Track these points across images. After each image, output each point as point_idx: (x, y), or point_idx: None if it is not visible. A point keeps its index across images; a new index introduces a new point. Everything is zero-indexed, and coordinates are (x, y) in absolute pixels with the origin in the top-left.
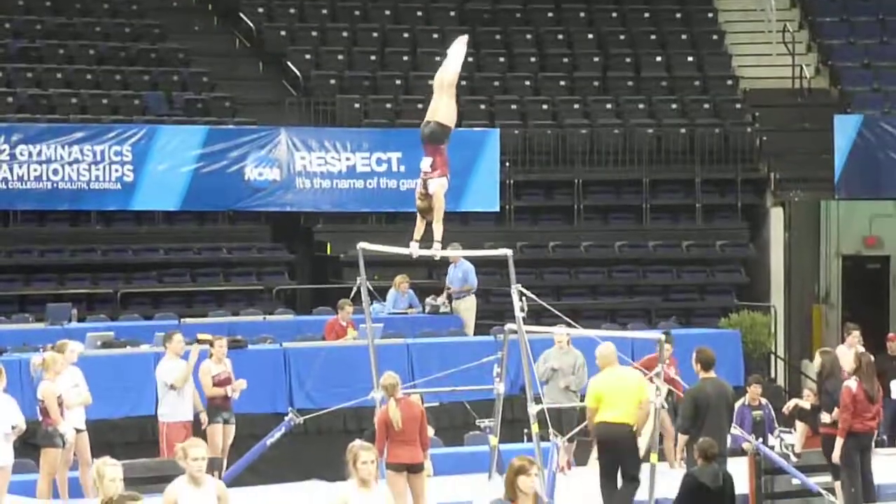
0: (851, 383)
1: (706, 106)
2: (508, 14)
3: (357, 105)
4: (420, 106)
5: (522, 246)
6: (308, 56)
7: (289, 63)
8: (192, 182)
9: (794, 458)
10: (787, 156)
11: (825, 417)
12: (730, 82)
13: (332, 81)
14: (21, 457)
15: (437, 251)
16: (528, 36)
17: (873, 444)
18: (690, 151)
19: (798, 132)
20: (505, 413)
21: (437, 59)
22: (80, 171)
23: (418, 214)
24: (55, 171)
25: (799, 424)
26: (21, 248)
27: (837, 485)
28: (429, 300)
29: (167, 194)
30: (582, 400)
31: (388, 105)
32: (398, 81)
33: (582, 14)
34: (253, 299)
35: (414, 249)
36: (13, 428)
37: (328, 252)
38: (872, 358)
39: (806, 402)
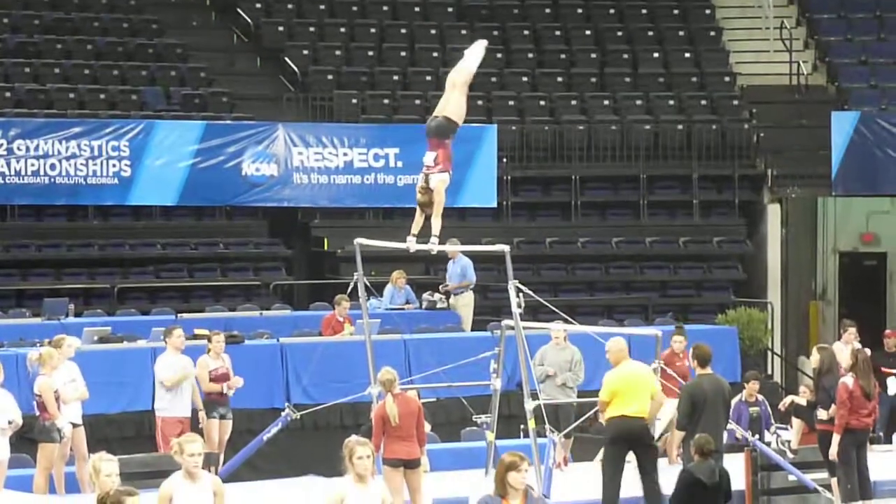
0: (848, 380)
1: (703, 102)
2: (506, 10)
3: (355, 100)
4: (418, 102)
5: (519, 242)
6: (306, 51)
7: (286, 58)
8: (190, 177)
9: (790, 455)
10: (785, 152)
11: (822, 414)
12: (727, 79)
13: (330, 77)
14: (17, 451)
15: (433, 246)
16: (526, 32)
17: (869, 440)
18: (687, 148)
19: (795, 129)
20: (502, 409)
21: (435, 54)
22: (78, 166)
23: (418, 208)
24: (52, 166)
25: (795, 421)
26: (18, 243)
27: (834, 481)
28: (426, 296)
29: (164, 189)
30: (578, 396)
31: (386, 101)
32: (396, 77)
33: (579, 10)
34: (250, 294)
35: (410, 244)
36: (10, 423)
37: (325, 247)
38: (869, 354)
39: (802, 398)
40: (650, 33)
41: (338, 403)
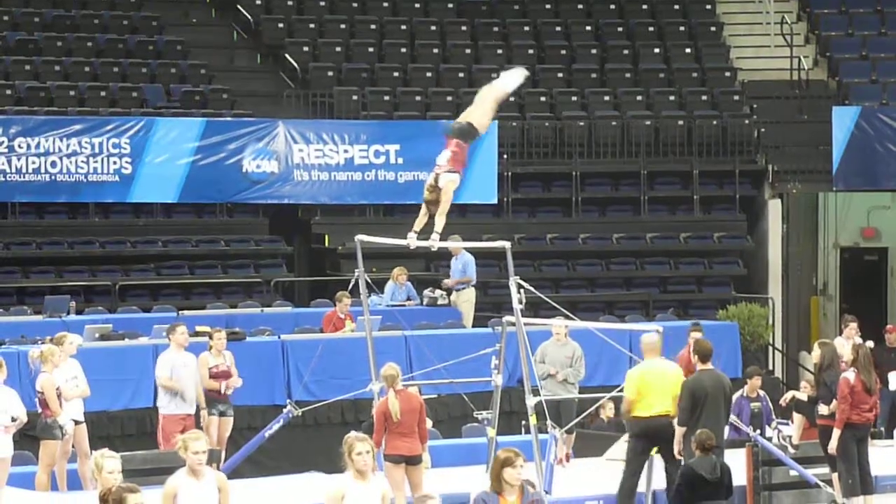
0: (849, 374)
1: (704, 98)
2: (506, 6)
3: (355, 97)
4: (418, 98)
5: (520, 238)
6: (306, 48)
7: (287, 55)
8: (190, 174)
9: (791, 450)
10: (785, 147)
11: (823, 409)
12: (728, 74)
13: (330, 73)
14: (20, 449)
15: (434, 242)
16: (526, 28)
17: (870, 435)
18: (688, 143)
19: (796, 124)
20: (503, 405)
21: (435, 51)
22: (79, 164)
23: (423, 205)
24: (53, 164)
25: (796, 416)
26: (19, 241)
27: (835, 476)
28: (427, 292)
29: (165, 186)
30: (579, 392)
31: (387, 97)
32: (396, 74)
33: (580, 6)
34: (251, 291)
35: (411, 240)
36: (13, 420)
37: (326, 244)
38: (870, 349)
39: (803, 393)
40: (651, 29)
41: (339, 400)
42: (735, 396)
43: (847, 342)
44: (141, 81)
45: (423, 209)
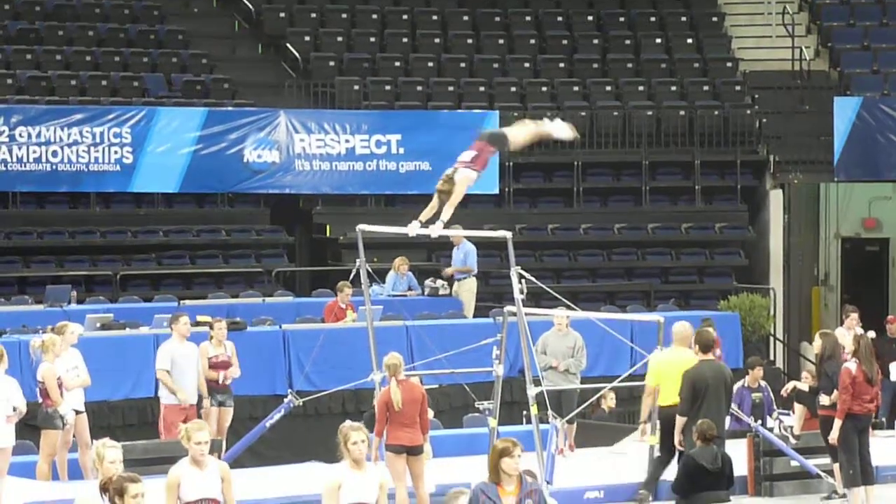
0: (851, 365)
1: (706, 88)
2: None
3: (356, 87)
4: (420, 88)
5: (521, 228)
6: (307, 38)
7: (288, 45)
8: (192, 164)
9: (792, 440)
10: (787, 138)
11: (824, 399)
12: (729, 64)
13: (332, 63)
14: (21, 438)
15: (435, 230)
16: (528, 18)
17: (872, 426)
18: (690, 134)
19: (797, 114)
20: (504, 395)
21: (437, 41)
22: (80, 153)
23: (435, 195)
24: (54, 153)
25: (797, 406)
26: (20, 230)
27: (836, 467)
28: (428, 282)
29: (166, 176)
30: (581, 382)
31: (388, 87)
32: (398, 63)
33: None
34: (252, 281)
35: (412, 228)
36: (14, 409)
37: (327, 234)
38: (871, 340)
39: (804, 384)
40: (652, 19)
41: (340, 390)
42: (736, 387)
43: (848, 332)
44: (142, 71)
45: (434, 200)
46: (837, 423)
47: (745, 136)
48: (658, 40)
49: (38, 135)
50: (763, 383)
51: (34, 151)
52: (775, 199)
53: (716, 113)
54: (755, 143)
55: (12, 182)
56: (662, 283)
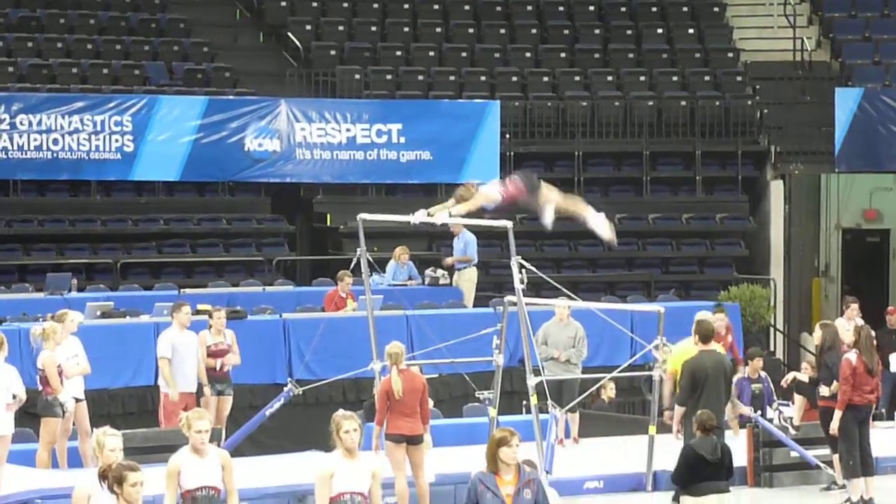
0: (851, 356)
1: (707, 78)
2: None
3: (357, 76)
4: (421, 78)
5: (522, 218)
6: (308, 27)
7: (289, 34)
8: (192, 152)
9: (792, 431)
10: (788, 129)
11: (824, 390)
12: (731, 55)
13: (333, 52)
14: (20, 426)
15: (441, 217)
16: (529, 7)
17: (872, 417)
18: (691, 124)
19: (799, 105)
20: (504, 385)
21: (438, 30)
22: (81, 141)
23: (452, 198)
24: (55, 141)
25: (797, 397)
26: (21, 218)
27: (836, 457)
28: (428, 272)
29: (167, 165)
30: (582, 372)
31: (389, 76)
32: (399, 53)
33: None
34: (252, 270)
35: (419, 215)
36: (14, 398)
37: (328, 223)
38: (871, 331)
39: (804, 374)
40: (654, 9)
41: (340, 379)
42: (736, 377)
43: (848, 323)
44: (143, 59)
45: (451, 201)
46: (838, 414)
47: (747, 126)
48: (659, 30)
49: (39, 123)
50: (763, 374)
51: (35, 139)
52: (776, 189)
53: (717, 103)
54: (756, 134)
55: (13, 170)
56: (663, 273)
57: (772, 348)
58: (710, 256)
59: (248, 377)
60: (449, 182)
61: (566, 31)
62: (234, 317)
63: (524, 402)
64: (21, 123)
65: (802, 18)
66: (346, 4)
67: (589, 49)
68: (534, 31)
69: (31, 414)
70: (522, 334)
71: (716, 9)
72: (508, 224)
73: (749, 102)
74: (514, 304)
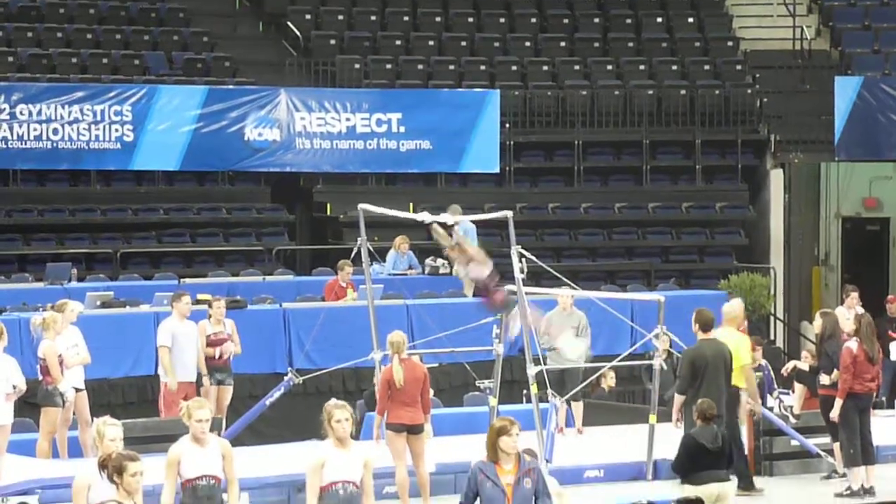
0: (852, 344)
1: (706, 67)
2: None
3: (357, 65)
4: (420, 67)
5: (522, 207)
6: (308, 16)
7: (289, 23)
8: (192, 142)
9: (792, 420)
10: (788, 117)
11: (824, 379)
12: (730, 44)
13: (333, 42)
14: (20, 416)
15: (449, 217)
16: None
17: (872, 405)
18: (691, 113)
19: (798, 94)
20: (504, 374)
21: (438, 19)
22: (80, 131)
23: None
24: (55, 131)
25: (798, 386)
26: (21, 208)
27: (836, 446)
28: (428, 261)
29: (167, 154)
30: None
31: (389, 66)
32: (398, 42)
33: None
34: (252, 260)
35: (425, 216)
36: (14, 388)
37: (328, 213)
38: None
39: (805, 363)
40: None
41: (340, 368)
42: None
43: (848, 312)
44: (143, 49)
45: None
46: (838, 403)
47: (746, 115)
48: (659, 19)
49: (39, 112)
50: (764, 362)
51: (35, 129)
52: (776, 178)
53: (716, 92)
54: (756, 123)
55: (13, 159)
56: (663, 262)
57: (772, 337)
58: (710, 245)
59: (249, 367)
60: (448, 171)
61: (566, 21)
62: (233, 306)
63: (524, 392)
64: (21, 113)
65: (802, 7)
66: None
67: (588, 38)
68: (533, 20)
69: (32, 404)
70: (523, 324)
71: None
72: (509, 214)
73: (749, 91)
74: (515, 293)
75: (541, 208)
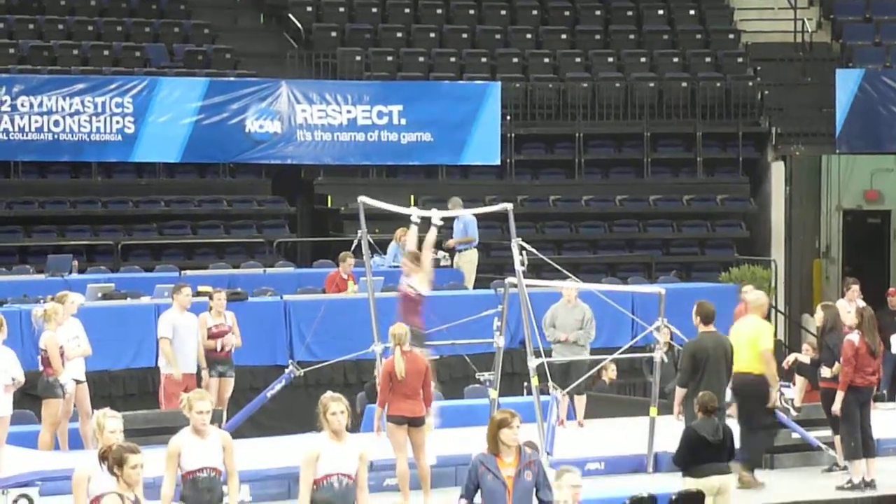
0: (854, 337)
1: (708, 60)
2: None
3: (358, 58)
4: (421, 59)
5: (523, 200)
6: (309, 8)
7: (290, 15)
8: (193, 134)
9: (793, 413)
10: (789, 110)
11: (825, 372)
12: (731, 36)
13: (334, 34)
14: (21, 408)
15: (437, 212)
16: None
17: (873, 398)
18: (692, 105)
19: (800, 86)
20: (505, 366)
21: (439, 11)
22: (81, 123)
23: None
24: (56, 123)
25: (799, 379)
26: (22, 200)
27: (837, 439)
28: None
29: (168, 146)
30: (591, 354)
31: (390, 58)
32: (399, 34)
33: None
34: (253, 252)
35: (414, 212)
36: (13, 380)
37: (329, 205)
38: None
39: (806, 356)
40: None
41: (341, 361)
42: None
43: (849, 305)
44: (144, 41)
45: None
46: (840, 396)
47: (747, 108)
48: (660, 12)
49: (40, 104)
50: None
51: (36, 121)
52: (777, 171)
53: (718, 85)
54: (757, 115)
55: (14, 151)
56: (664, 254)
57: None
58: (711, 238)
59: (249, 359)
60: (449, 164)
61: (567, 13)
62: (234, 298)
63: (525, 384)
64: (22, 105)
65: (803, 0)
66: None
67: (590, 30)
68: (535, 12)
69: (32, 396)
70: (523, 316)
71: None
72: (509, 206)
73: (750, 84)
74: (515, 285)
75: (542, 200)
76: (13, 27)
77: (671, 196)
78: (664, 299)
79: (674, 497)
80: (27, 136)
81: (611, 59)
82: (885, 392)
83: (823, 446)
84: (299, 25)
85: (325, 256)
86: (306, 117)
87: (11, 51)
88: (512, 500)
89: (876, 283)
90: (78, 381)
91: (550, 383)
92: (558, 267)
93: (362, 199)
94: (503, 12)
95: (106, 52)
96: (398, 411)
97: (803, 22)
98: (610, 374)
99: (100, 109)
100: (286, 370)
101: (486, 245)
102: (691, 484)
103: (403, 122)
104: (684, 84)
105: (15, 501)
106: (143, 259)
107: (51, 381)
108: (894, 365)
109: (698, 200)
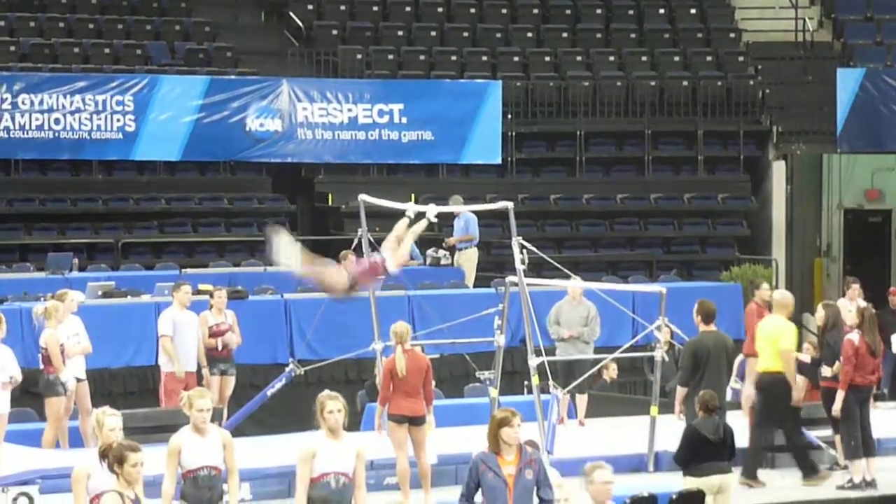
0: (854, 336)
1: (709, 58)
2: None
3: (359, 56)
4: (422, 57)
5: (524, 198)
6: (310, 6)
7: (291, 13)
8: (194, 132)
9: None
10: (790, 109)
11: (826, 371)
12: (733, 35)
13: (335, 32)
14: (21, 405)
15: (433, 208)
16: None
17: (873, 397)
18: (693, 104)
19: (801, 85)
20: (505, 365)
21: (440, 9)
22: (82, 121)
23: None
24: (57, 121)
25: (799, 378)
26: (22, 197)
27: (837, 438)
28: (430, 252)
29: (168, 144)
30: (595, 352)
31: (391, 56)
32: (400, 32)
33: None
34: (254, 250)
35: (409, 208)
36: (10, 378)
37: (329, 203)
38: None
39: (806, 355)
40: None
41: (342, 359)
42: (738, 358)
43: (850, 304)
44: (145, 38)
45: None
46: (840, 395)
47: (748, 106)
48: (661, 10)
49: (41, 102)
50: None
51: (36, 118)
52: (778, 169)
53: (719, 83)
54: (758, 114)
55: (14, 149)
56: (665, 253)
57: None
58: (712, 236)
59: (250, 357)
60: (450, 162)
61: (568, 11)
62: (235, 297)
63: (525, 383)
64: (23, 103)
65: None
66: None
67: (591, 28)
68: (535, 10)
69: (32, 393)
70: (524, 314)
71: None
72: (510, 204)
73: (751, 82)
74: (516, 284)
75: (542, 199)
76: (14, 25)
77: (672, 194)
78: (665, 298)
79: (674, 496)
80: (28, 133)
81: (612, 58)
82: (885, 391)
83: (824, 445)
84: (300, 23)
85: (326, 255)
86: (307, 115)
87: (12, 48)
88: (513, 499)
89: (877, 282)
90: (78, 379)
91: (551, 382)
92: (559, 265)
93: (363, 197)
94: (504, 10)
95: (107, 50)
96: (399, 410)
97: (804, 21)
98: (611, 372)
99: (100, 107)
100: (287, 368)
101: (487, 243)
102: (692, 483)
103: (404, 120)
104: (685, 82)
105: (15, 500)
106: (144, 257)
107: (52, 378)
108: (894, 364)
109: (699, 199)
